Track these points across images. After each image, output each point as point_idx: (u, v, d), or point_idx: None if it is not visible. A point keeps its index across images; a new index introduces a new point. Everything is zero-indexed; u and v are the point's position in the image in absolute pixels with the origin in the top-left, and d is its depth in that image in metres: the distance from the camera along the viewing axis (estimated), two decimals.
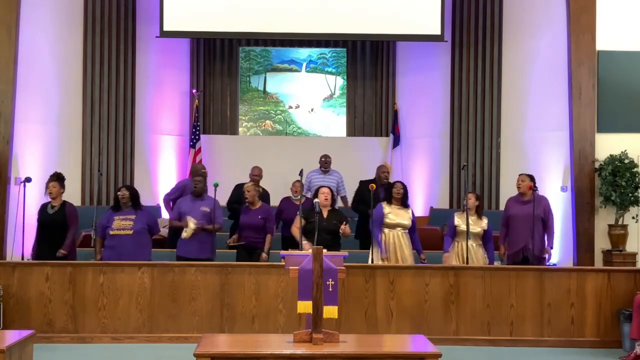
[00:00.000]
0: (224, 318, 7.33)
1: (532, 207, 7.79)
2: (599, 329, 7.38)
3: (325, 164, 10.10)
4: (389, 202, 7.88)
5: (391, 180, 9.38)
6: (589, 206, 9.34)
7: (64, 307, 7.29)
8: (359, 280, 7.33)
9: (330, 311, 4.85)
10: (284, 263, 5.16)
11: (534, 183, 8.02)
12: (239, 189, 9.03)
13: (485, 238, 7.87)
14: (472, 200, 7.86)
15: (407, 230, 7.87)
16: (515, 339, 7.34)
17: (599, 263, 9.23)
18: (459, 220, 7.85)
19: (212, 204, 8.06)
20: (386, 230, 7.79)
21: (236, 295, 7.33)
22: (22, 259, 7.93)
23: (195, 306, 7.33)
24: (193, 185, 8.29)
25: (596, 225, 9.35)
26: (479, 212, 7.91)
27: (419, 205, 11.58)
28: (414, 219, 8.01)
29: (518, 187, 8.07)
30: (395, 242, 7.77)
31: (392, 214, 7.83)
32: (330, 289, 4.86)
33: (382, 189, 8.38)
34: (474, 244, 7.78)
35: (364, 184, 9.26)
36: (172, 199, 9.15)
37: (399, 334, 7.02)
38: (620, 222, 9.21)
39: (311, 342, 4.76)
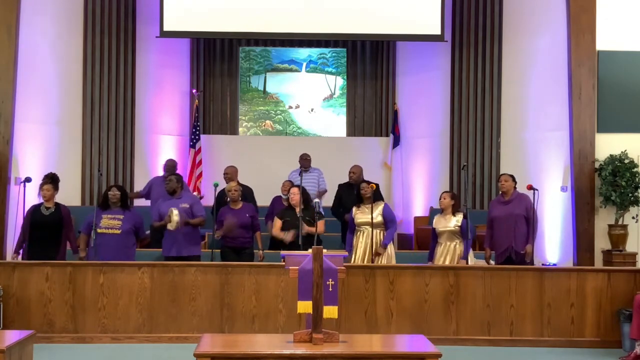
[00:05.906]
0: (224, 318, 7.33)
1: (513, 207, 7.87)
2: (599, 329, 7.38)
3: (305, 162, 10.08)
4: (359, 204, 7.95)
5: (394, 180, 9.39)
6: (589, 206, 9.33)
7: (64, 307, 7.29)
8: (359, 280, 7.33)
9: (330, 311, 4.85)
10: (284, 263, 5.15)
11: (515, 183, 8.08)
12: (222, 195, 9.04)
13: (461, 233, 7.82)
14: (447, 200, 7.88)
15: (380, 229, 7.91)
16: (515, 339, 7.34)
17: (599, 263, 9.22)
18: (435, 222, 7.92)
19: (190, 200, 8.10)
20: (358, 231, 7.87)
21: (236, 295, 7.33)
22: (22, 259, 7.92)
23: (195, 306, 7.33)
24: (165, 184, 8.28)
25: (596, 225, 9.34)
26: (454, 211, 7.88)
27: (419, 205, 11.60)
28: (388, 213, 8.00)
29: (502, 187, 8.09)
30: (366, 242, 7.84)
31: (359, 213, 7.93)
32: (330, 289, 4.85)
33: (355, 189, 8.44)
34: (450, 244, 7.77)
35: (341, 188, 9.30)
36: (143, 194, 9.68)
37: (399, 334, 7.02)
38: (620, 222, 9.20)
39: (311, 342, 4.76)
